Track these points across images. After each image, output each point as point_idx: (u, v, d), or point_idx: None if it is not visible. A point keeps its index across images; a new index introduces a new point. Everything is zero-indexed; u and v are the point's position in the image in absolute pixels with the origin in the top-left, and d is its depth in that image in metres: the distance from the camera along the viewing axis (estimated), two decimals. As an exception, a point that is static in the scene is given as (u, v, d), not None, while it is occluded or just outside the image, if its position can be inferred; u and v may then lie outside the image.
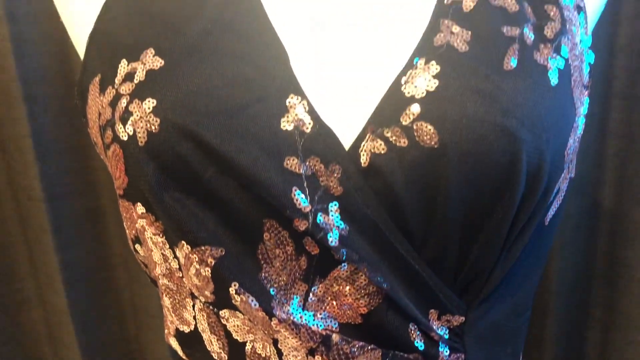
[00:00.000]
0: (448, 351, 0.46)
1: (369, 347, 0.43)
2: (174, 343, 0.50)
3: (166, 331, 0.51)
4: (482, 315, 0.47)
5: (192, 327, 0.47)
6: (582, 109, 0.47)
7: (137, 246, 0.48)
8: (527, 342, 0.56)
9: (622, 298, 0.96)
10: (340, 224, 0.41)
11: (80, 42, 0.52)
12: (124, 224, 0.49)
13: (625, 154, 0.92)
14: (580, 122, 0.47)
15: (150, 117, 0.41)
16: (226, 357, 0.46)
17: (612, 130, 0.93)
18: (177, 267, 0.45)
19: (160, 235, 0.44)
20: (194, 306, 0.46)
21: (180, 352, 0.50)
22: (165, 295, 0.48)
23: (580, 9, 0.48)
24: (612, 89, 0.90)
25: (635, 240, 0.92)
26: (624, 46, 0.85)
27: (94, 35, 0.48)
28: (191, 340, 0.48)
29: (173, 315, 0.48)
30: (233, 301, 0.43)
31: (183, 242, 0.43)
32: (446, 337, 0.45)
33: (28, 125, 0.91)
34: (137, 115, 0.42)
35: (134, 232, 0.47)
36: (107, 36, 0.47)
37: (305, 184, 0.41)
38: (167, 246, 0.44)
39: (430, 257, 0.43)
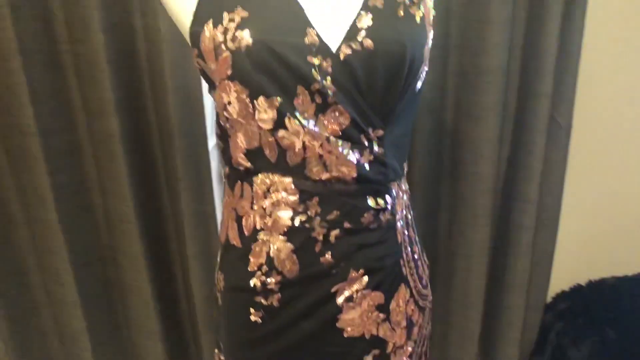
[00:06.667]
0: (376, 147, 0.93)
1: (347, 144, 0.90)
2: (243, 161, 0.94)
3: (236, 152, 0.94)
4: (390, 132, 0.94)
5: (257, 145, 0.91)
6: (430, 35, 0.96)
7: (228, 107, 0.91)
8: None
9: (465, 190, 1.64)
10: (332, 87, 0.87)
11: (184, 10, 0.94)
12: (218, 101, 0.93)
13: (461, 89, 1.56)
14: (430, 40, 0.96)
15: (249, 39, 0.84)
16: (274, 159, 0.90)
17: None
18: (252, 111, 0.89)
19: (246, 95, 0.88)
20: (259, 134, 0.90)
21: (248, 164, 0.93)
22: (239, 131, 0.92)
23: None
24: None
25: (467, 144, 1.59)
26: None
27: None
28: (255, 155, 0.92)
29: (244, 141, 0.92)
30: (286, 124, 0.88)
31: (262, 96, 0.87)
32: (376, 140, 0.92)
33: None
34: (241, 37, 0.85)
35: (226, 100, 0.90)
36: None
37: (317, 68, 0.86)
38: (249, 100, 0.88)
39: (370, 102, 0.90)
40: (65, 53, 1.41)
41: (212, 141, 1.52)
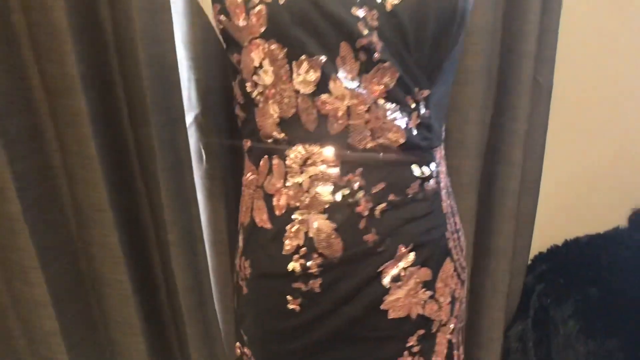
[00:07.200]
0: (423, 109, 0.86)
1: (396, 107, 0.83)
2: (274, 132, 0.85)
3: (266, 122, 0.85)
4: (435, 92, 0.87)
5: (293, 112, 0.82)
6: None
7: (258, 71, 0.82)
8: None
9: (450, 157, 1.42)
10: (379, 42, 0.78)
11: None
12: (245, 65, 0.81)
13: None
14: None
15: None
16: (313, 128, 0.82)
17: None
18: (289, 73, 0.80)
19: (284, 55, 0.79)
20: (297, 100, 0.81)
21: (281, 135, 0.85)
22: (271, 98, 0.83)
23: None
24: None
25: (453, 110, 1.51)
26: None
27: None
28: (290, 124, 0.83)
29: (277, 109, 0.83)
30: (330, 87, 0.80)
31: (303, 56, 0.79)
32: (422, 101, 0.85)
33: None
34: None
35: (257, 62, 0.82)
36: None
37: (362, 21, 0.77)
38: (286, 61, 0.80)
39: (417, 59, 0.82)
40: (18, 23, 1.24)
41: (189, 116, 1.39)
